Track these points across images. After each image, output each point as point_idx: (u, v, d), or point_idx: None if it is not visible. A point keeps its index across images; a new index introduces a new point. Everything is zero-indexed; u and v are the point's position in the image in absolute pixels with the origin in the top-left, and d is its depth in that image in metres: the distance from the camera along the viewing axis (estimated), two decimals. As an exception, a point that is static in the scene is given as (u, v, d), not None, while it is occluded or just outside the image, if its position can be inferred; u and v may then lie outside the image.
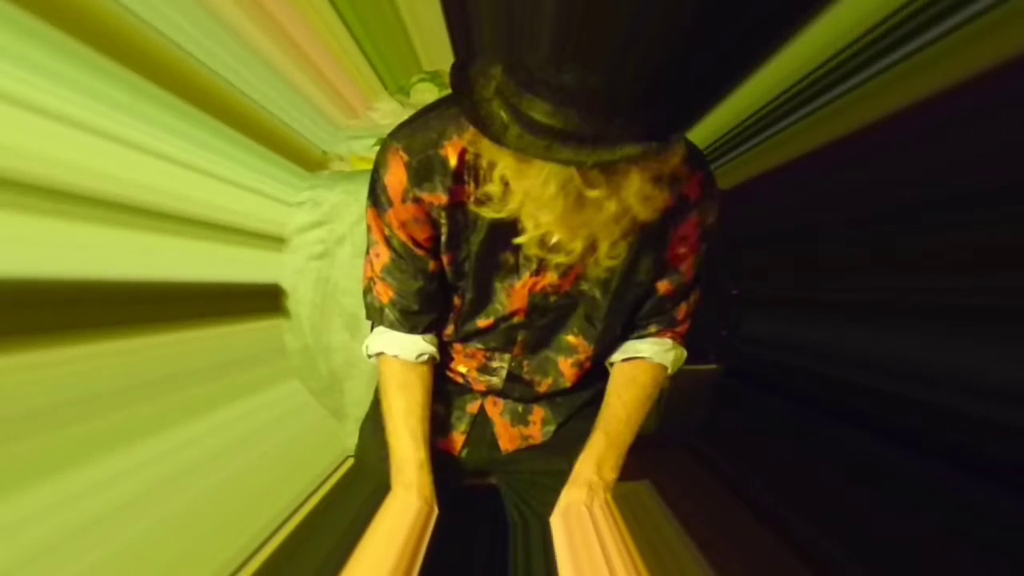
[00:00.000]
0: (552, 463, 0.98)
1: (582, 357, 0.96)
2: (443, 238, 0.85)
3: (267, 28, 0.88)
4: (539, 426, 1.02)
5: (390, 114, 1.42)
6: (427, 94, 1.43)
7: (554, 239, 0.77)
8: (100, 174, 0.76)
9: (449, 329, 0.96)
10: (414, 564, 0.79)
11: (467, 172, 0.80)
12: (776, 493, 0.87)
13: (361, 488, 0.91)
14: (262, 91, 0.94)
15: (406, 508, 0.84)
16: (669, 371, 0.98)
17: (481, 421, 1.02)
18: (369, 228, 0.89)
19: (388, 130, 0.84)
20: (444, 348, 0.99)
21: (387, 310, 0.92)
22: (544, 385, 0.99)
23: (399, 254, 0.87)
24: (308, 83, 0.99)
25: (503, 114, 0.66)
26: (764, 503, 0.87)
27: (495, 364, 0.98)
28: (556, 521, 0.85)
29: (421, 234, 0.85)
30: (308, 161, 1.18)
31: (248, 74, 0.91)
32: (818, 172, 0.83)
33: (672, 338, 0.98)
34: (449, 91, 0.72)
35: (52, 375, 0.71)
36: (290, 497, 0.87)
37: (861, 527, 0.79)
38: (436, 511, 0.87)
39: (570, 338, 0.95)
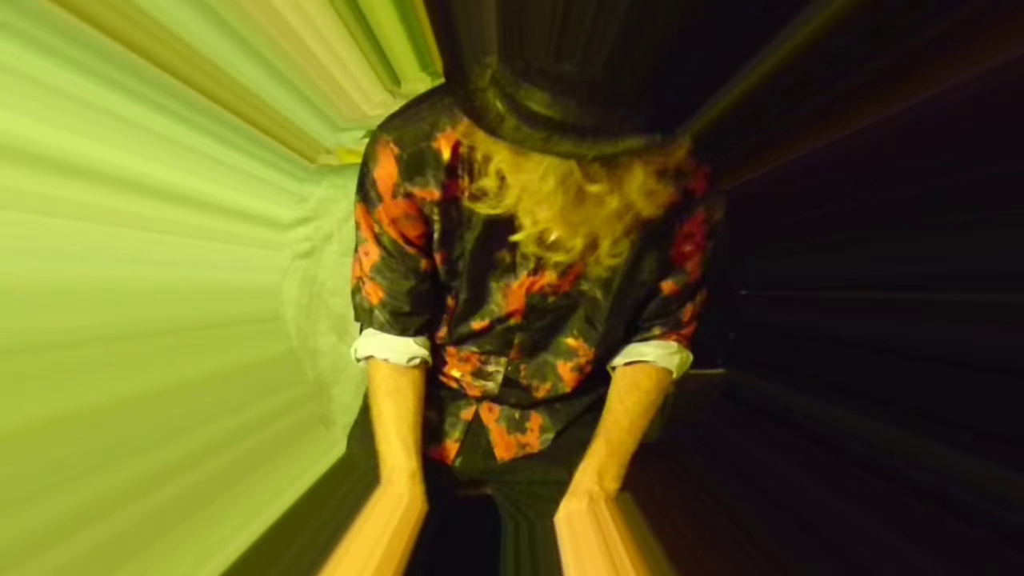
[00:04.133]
0: (551, 473, 0.98)
1: (582, 361, 0.96)
2: (436, 235, 0.85)
3: (262, 16, 0.89)
4: (537, 434, 1.02)
5: (380, 105, 1.42)
6: (419, 83, 1.43)
7: (553, 236, 0.77)
8: (97, 157, 0.77)
9: (442, 331, 0.96)
10: (401, 560, 0.80)
11: (461, 166, 0.80)
12: (777, 507, 0.88)
13: (349, 482, 0.92)
14: (257, 80, 0.94)
15: (397, 502, 0.85)
16: (674, 375, 0.99)
17: (476, 428, 1.02)
18: (358, 225, 0.89)
19: (377, 121, 0.83)
20: (437, 351, 0.99)
21: (377, 311, 0.92)
22: (542, 390, 0.99)
23: (389, 252, 0.87)
24: (307, 73, 0.99)
25: (499, 105, 0.66)
26: (762, 518, 0.87)
27: (491, 368, 0.98)
28: (560, 528, 0.85)
29: (412, 231, 0.85)
30: (309, 151, 1.18)
31: (244, 62, 0.91)
32: (826, 164, 0.83)
33: (677, 341, 0.98)
34: (442, 80, 0.72)
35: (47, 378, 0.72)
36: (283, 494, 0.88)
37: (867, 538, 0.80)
38: (426, 507, 0.87)
39: (570, 341, 0.95)
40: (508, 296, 0.89)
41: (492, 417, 1.02)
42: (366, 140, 0.84)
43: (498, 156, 0.71)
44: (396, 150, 0.80)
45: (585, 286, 0.89)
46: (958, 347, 0.75)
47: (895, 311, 0.83)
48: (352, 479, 0.93)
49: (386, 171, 0.81)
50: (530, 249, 0.79)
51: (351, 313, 0.98)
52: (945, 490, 0.74)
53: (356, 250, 0.92)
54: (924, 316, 0.80)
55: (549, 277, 0.87)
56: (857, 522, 0.81)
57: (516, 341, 0.94)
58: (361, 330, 0.97)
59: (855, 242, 0.88)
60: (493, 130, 0.66)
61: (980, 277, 0.73)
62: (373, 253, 0.88)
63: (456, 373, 1.00)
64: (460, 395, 1.03)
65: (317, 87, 1.03)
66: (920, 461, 0.76)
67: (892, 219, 0.82)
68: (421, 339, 0.94)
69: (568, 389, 0.99)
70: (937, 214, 0.76)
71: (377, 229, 0.86)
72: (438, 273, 0.89)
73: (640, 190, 0.69)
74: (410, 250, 0.86)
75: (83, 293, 0.77)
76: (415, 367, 0.94)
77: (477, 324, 0.93)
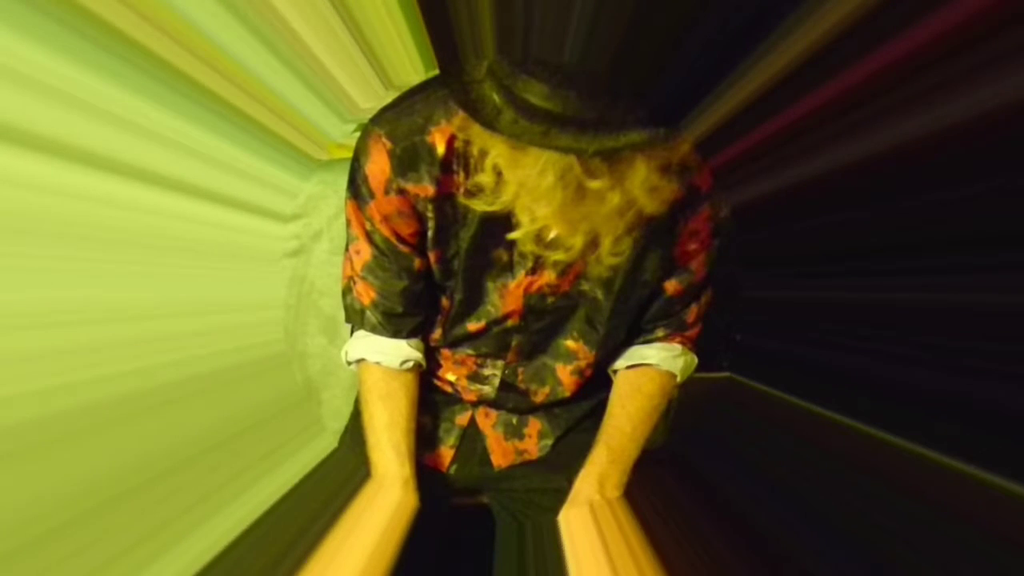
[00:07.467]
0: (550, 480, 0.98)
1: (583, 364, 0.96)
2: (430, 233, 0.85)
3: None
4: (535, 440, 1.02)
5: (372, 97, 1.42)
6: (414, 75, 1.43)
7: (552, 234, 0.77)
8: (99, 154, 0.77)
9: (436, 333, 0.95)
10: (392, 558, 0.80)
11: (456, 161, 0.80)
12: (784, 514, 0.88)
13: (338, 481, 0.92)
14: (252, 67, 0.94)
15: (388, 501, 0.86)
16: (678, 379, 0.99)
17: (472, 434, 1.02)
18: (348, 222, 0.89)
19: (369, 114, 0.83)
20: (431, 354, 0.99)
21: (369, 312, 0.92)
22: (541, 395, 0.99)
23: (382, 251, 0.87)
24: (300, 63, 0.99)
25: (495, 97, 0.66)
26: (768, 526, 0.87)
27: (487, 372, 0.98)
28: (562, 534, 0.86)
29: (406, 229, 0.85)
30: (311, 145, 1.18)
31: (236, 47, 0.91)
32: (835, 167, 0.84)
33: (681, 343, 0.98)
34: (436, 72, 0.72)
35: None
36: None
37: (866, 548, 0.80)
38: (418, 504, 0.87)
39: (569, 343, 0.95)
40: (505, 296, 0.89)
41: (489, 423, 1.02)
42: (357, 134, 0.84)
43: (495, 151, 0.71)
44: (388, 144, 0.80)
45: (585, 286, 0.89)
46: (963, 350, 0.76)
47: (902, 315, 0.84)
48: (342, 479, 0.94)
49: (378, 166, 0.81)
50: (528, 247, 0.79)
51: (342, 314, 0.97)
52: (949, 494, 0.74)
53: (347, 248, 0.92)
54: (930, 320, 0.80)
55: (548, 277, 0.87)
56: (863, 527, 0.82)
57: (513, 343, 0.94)
58: (352, 332, 0.97)
59: (862, 245, 0.89)
60: (490, 123, 0.66)
61: (985, 281, 0.73)
62: (364, 252, 0.88)
63: (451, 377, 1.00)
64: (455, 400, 1.03)
65: (311, 77, 1.03)
66: (926, 466, 0.77)
67: (900, 222, 0.82)
68: (415, 341, 0.94)
69: (568, 393, 0.99)
70: (943, 216, 0.77)
71: (369, 227, 0.86)
72: (432, 272, 0.89)
73: (642, 186, 0.69)
74: (403, 248, 0.86)
75: (73, 280, 0.78)
76: (408, 370, 0.94)
77: (473, 326, 0.92)
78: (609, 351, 0.97)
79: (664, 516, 0.88)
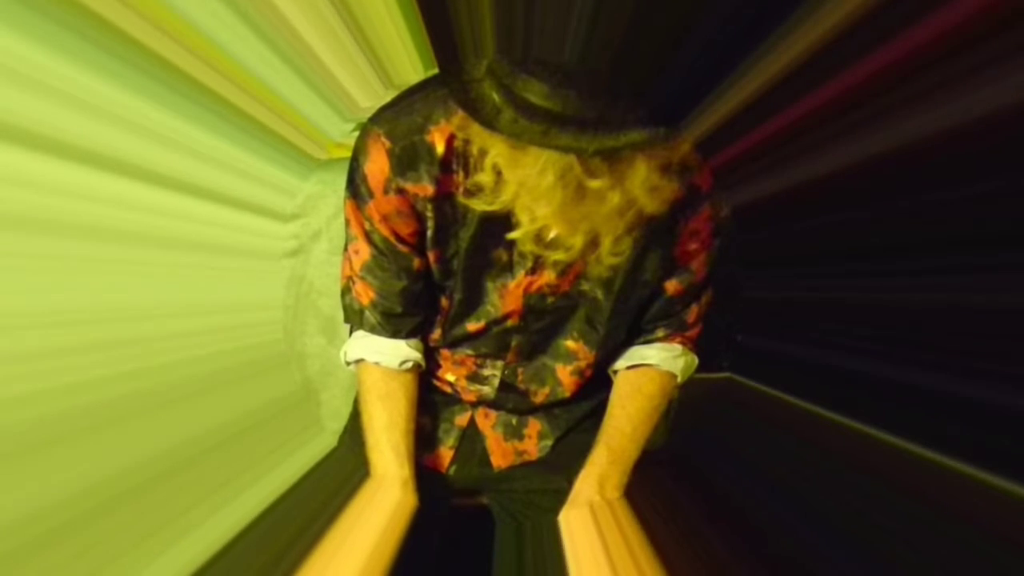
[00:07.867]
0: (549, 481, 0.98)
1: (583, 364, 0.96)
2: (429, 233, 0.85)
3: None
4: (535, 440, 1.03)
5: (372, 96, 1.42)
6: (413, 74, 1.43)
7: (552, 234, 0.77)
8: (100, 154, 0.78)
9: (436, 333, 0.96)
10: (391, 557, 0.81)
11: (456, 160, 0.80)
12: (784, 516, 0.88)
13: (337, 480, 0.93)
14: (252, 65, 0.94)
15: (387, 499, 0.86)
16: (679, 379, 0.99)
17: (471, 435, 1.03)
18: (347, 222, 0.89)
19: (369, 113, 0.84)
20: (430, 354, 0.99)
21: (367, 312, 0.92)
22: (541, 395, 0.99)
23: (381, 251, 0.87)
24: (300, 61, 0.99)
25: (495, 96, 0.66)
26: (768, 528, 0.88)
27: (486, 372, 0.98)
28: (563, 535, 0.86)
29: (405, 229, 0.85)
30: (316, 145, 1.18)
31: (234, 45, 0.91)
32: (837, 167, 0.84)
33: (682, 343, 0.98)
34: (435, 71, 0.72)
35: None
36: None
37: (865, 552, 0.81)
38: (416, 503, 0.88)
39: (569, 343, 0.95)
40: (505, 296, 0.90)
41: (488, 423, 1.03)
42: (356, 133, 0.85)
43: (494, 150, 0.71)
44: (387, 144, 0.80)
45: (585, 286, 0.89)
46: (963, 350, 0.76)
47: (902, 315, 0.84)
48: (341, 479, 0.94)
49: (377, 166, 0.81)
50: (528, 247, 0.79)
51: (340, 314, 0.98)
52: (949, 494, 0.75)
53: (346, 248, 0.92)
54: (930, 320, 0.80)
55: (548, 277, 0.87)
56: (863, 527, 0.82)
57: (513, 344, 0.95)
58: (351, 332, 0.97)
59: (862, 245, 0.89)
60: (489, 123, 0.66)
61: (985, 281, 0.74)
62: (363, 252, 0.88)
63: (450, 377, 1.00)
64: (455, 400, 1.03)
65: (311, 77, 1.03)
66: (926, 466, 0.77)
67: (903, 223, 0.83)
68: (414, 341, 0.95)
69: (568, 394, 0.99)
70: (943, 216, 0.77)
71: (368, 226, 0.86)
72: (431, 272, 0.89)
73: (643, 186, 0.69)
74: (402, 248, 0.86)
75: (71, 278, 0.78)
76: (407, 371, 0.94)
77: (472, 326, 0.93)
78: (609, 351, 0.97)
79: (664, 516, 0.89)
